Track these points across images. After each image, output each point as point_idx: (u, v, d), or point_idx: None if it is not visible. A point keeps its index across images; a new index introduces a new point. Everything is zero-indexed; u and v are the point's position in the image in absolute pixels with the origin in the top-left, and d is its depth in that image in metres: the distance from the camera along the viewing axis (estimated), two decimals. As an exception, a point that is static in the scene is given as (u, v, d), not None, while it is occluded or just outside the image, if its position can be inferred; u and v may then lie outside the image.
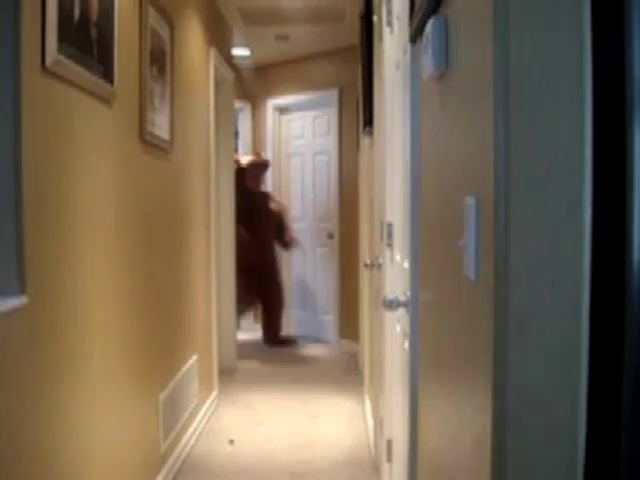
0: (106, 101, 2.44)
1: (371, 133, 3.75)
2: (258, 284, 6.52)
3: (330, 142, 6.66)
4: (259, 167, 6.39)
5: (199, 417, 4.16)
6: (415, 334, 1.85)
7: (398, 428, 2.55)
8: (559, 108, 0.87)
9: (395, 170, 2.57)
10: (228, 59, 5.44)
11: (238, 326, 6.46)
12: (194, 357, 4.04)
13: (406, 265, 2.06)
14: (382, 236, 2.94)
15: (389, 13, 2.57)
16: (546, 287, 0.88)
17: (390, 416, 2.76)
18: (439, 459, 1.46)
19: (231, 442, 3.99)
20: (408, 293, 1.94)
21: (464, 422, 1.16)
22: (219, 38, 5.04)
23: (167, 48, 3.34)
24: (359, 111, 5.00)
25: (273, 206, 6.55)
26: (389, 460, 2.84)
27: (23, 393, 1.81)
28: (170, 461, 3.43)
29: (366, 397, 4.52)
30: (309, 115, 6.88)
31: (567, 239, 0.87)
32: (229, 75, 5.45)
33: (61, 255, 2.07)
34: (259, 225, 6.44)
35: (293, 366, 5.80)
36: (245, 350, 6.24)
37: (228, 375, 5.40)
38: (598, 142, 0.86)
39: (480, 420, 1.00)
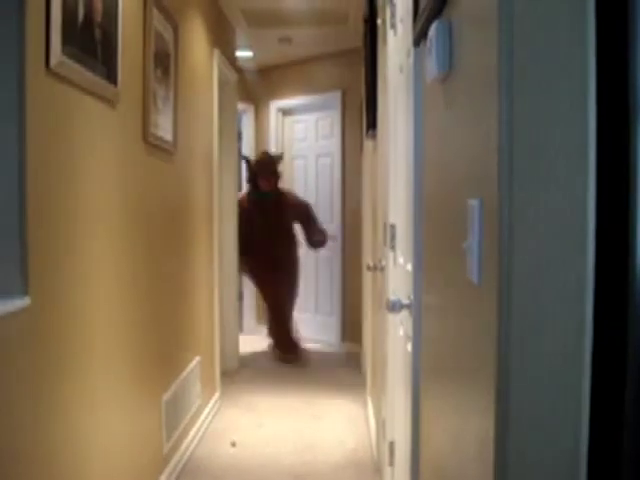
0: (110, 102, 2.45)
1: (374, 136, 3.75)
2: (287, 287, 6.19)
3: (333, 144, 6.66)
4: (268, 165, 6.00)
5: (201, 419, 4.15)
6: (418, 337, 1.85)
7: (400, 430, 2.54)
8: (563, 110, 0.87)
9: (398, 172, 2.57)
10: (231, 61, 5.44)
11: (240, 328, 6.46)
12: (197, 359, 4.04)
13: (409, 267, 2.06)
14: (385, 238, 2.94)
15: (393, 16, 2.57)
16: (550, 290, 0.88)
17: (392, 418, 2.76)
18: (442, 462, 1.45)
19: (233, 444, 3.99)
20: (411, 296, 1.93)
21: (467, 425, 1.16)
22: (222, 40, 5.04)
23: (171, 50, 3.34)
24: (362, 114, 4.99)
25: (293, 204, 6.16)
26: (391, 463, 2.83)
27: (25, 393, 1.81)
28: (172, 462, 3.43)
29: (368, 399, 4.51)
30: (312, 117, 6.88)
31: (571, 242, 0.87)
32: (232, 77, 5.46)
33: (64, 256, 2.07)
34: (276, 227, 6.08)
35: (295, 368, 5.80)
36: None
37: (230, 377, 5.39)
38: (602, 144, 0.86)
39: (483, 423, 1.00)
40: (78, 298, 2.17)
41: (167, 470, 3.32)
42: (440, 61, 1.31)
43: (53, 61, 1.90)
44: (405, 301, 2.10)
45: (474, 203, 1.06)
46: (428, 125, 1.67)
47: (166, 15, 3.20)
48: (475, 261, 1.06)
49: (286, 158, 7.04)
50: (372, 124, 3.80)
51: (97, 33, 2.24)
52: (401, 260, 2.43)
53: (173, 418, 3.44)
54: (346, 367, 5.83)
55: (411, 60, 1.94)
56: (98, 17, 2.24)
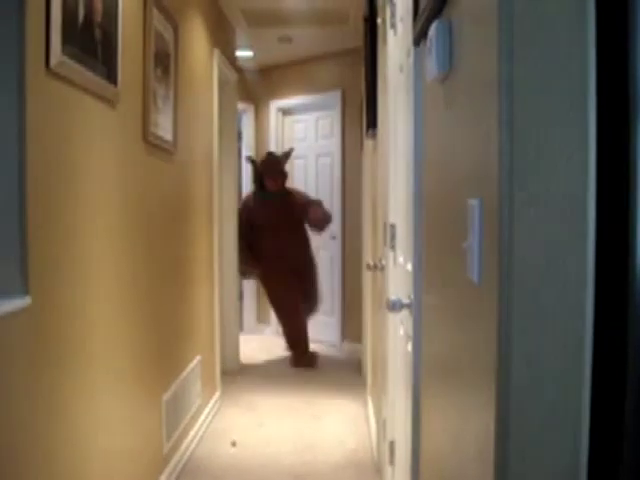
0: (110, 102, 2.45)
1: (374, 135, 3.75)
2: (302, 288, 6.00)
3: (333, 144, 6.66)
4: (274, 165, 5.81)
5: (202, 418, 4.16)
6: (418, 336, 1.85)
7: (401, 430, 2.54)
8: (563, 109, 0.87)
9: (398, 172, 2.57)
10: (231, 60, 5.44)
11: (241, 327, 6.46)
12: (197, 358, 4.04)
13: (409, 267, 2.06)
14: (385, 238, 2.94)
15: (393, 15, 2.57)
16: (550, 290, 0.88)
17: (393, 418, 2.76)
18: (442, 462, 1.46)
19: (233, 444, 3.99)
20: (411, 295, 1.94)
21: (467, 425, 1.16)
22: (222, 39, 5.04)
23: (171, 49, 3.34)
24: (362, 113, 4.99)
25: (301, 203, 5.92)
26: (392, 462, 2.83)
27: (25, 393, 1.81)
28: (172, 462, 3.43)
29: (369, 399, 4.51)
30: (312, 117, 6.88)
31: (571, 242, 0.87)
32: (232, 76, 5.46)
33: (64, 256, 2.07)
34: (286, 229, 5.91)
35: (296, 368, 5.80)
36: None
37: (231, 376, 5.40)
38: (602, 143, 0.86)
39: (483, 423, 1.00)
40: (78, 298, 2.17)
41: (167, 470, 3.32)
42: (440, 61, 1.31)
43: (53, 61, 1.90)
44: (405, 301, 2.10)
45: (474, 203, 1.06)
46: (428, 125, 1.67)
47: (166, 15, 3.20)
48: (475, 261, 1.06)
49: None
50: (372, 124, 3.80)
51: (97, 33, 2.24)
52: (401, 260, 2.43)
53: (173, 418, 3.44)
54: (346, 367, 5.83)
55: (411, 60, 1.94)
56: (98, 17, 2.24)
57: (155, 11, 2.99)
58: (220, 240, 5.12)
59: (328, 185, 6.73)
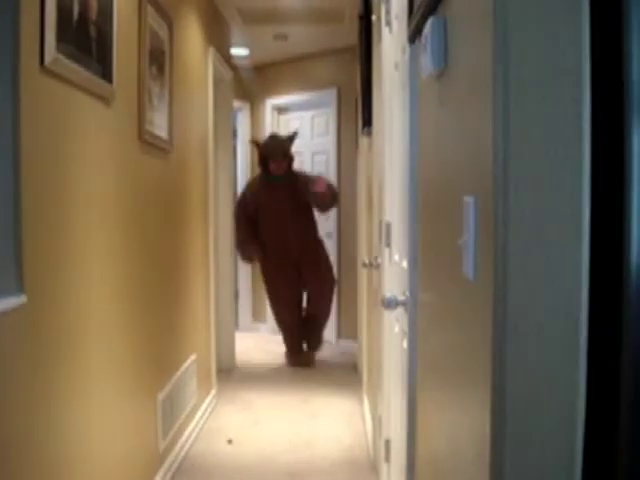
0: (105, 100, 2.44)
1: (370, 133, 3.75)
2: (300, 278, 5.80)
3: (329, 142, 6.66)
4: (277, 148, 5.55)
5: (197, 416, 4.15)
6: (414, 333, 1.85)
7: (396, 428, 2.55)
8: (558, 106, 0.87)
9: (394, 169, 2.57)
10: (227, 58, 5.44)
11: (236, 325, 6.46)
12: (193, 356, 4.04)
13: (405, 264, 2.06)
14: (381, 235, 2.94)
15: (388, 13, 2.57)
16: (545, 287, 0.88)
17: (388, 415, 2.76)
18: (438, 459, 1.46)
19: (229, 441, 3.99)
20: (407, 292, 1.94)
21: (463, 422, 1.16)
22: (218, 37, 5.03)
23: (166, 47, 3.34)
24: (358, 111, 4.99)
25: (302, 182, 5.62)
26: (387, 460, 2.84)
27: (20, 391, 1.81)
28: (168, 460, 3.42)
29: (364, 396, 4.52)
30: (308, 115, 6.88)
31: (566, 239, 0.87)
32: (228, 74, 5.45)
33: (60, 254, 2.07)
34: (291, 215, 5.66)
35: (292, 367, 5.80)
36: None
37: (226, 374, 5.40)
38: (596, 140, 0.86)
39: (479, 420, 1.00)
40: (74, 296, 2.17)
41: (163, 468, 3.32)
42: (435, 58, 1.31)
43: (48, 59, 1.90)
44: (401, 298, 2.10)
45: (469, 200, 1.06)
46: (423, 122, 1.67)
47: (161, 13, 3.20)
48: (470, 258, 1.06)
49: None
50: (367, 121, 3.81)
51: (92, 31, 2.24)
52: (397, 257, 2.43)
53: (169, 416, 3.44)
54: (342, 364, 5.84)
55: (406, 57, 1.94)
56: (93, 15, 2.24)
57: (150, 9, 2.99)
58: (216, 238, 5.11)
59: (324, 183, 6.72)
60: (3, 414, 1.71)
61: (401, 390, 2.28)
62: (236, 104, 6.41)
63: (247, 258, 5.81)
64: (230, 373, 5.50)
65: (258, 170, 6.84)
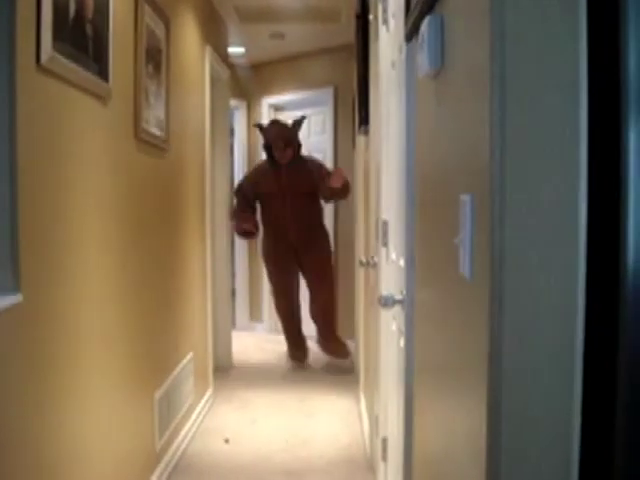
0: (101, 99, 2.44)
1: (367, 132, 3.75)
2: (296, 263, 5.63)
3: (325, 140, 6.65)
4: (280, 134, 5.34)
5: (194, 415, 4.15)
6: (410, 332, 1.85)
7: (393, 426, 2.55)
8: (555, 106, 0.87)
9: (390, 168, 2.57)
10: (223, 57, 5.43)
11: (233, 324, 6.45)
12: (189, 355, 4.03)
13: (401, 263, 2.06)
14: (377, 234, 2.94)
15: (385, 11, 2.57)
16: (541, 286, 0.88)
17: (385, 414, 2.76)
18: (434, 457, 1.46)
19: (226, 440, 3.99)
20: (404, 291, 1.94)
21: (459, 421, 1.16)
22: (214, 36, 5.03)
23: (162, 46, 3.33)
24: (355, 110, 4.99)
25: (312, 170, 5.41)
26: (384, 458, 2.84)
27: (16, 390, 1.81)
28: (165, 459, 3.42)
29: (361, 395, 4.52)
30: (305, 114, 6.86)
31: (562, 237, 0.87)
32: (224, 73, 5.44)
33: (56, 253, 2.06)
34: (291, 201, 5.42)
35: (291, 361, 5.80)
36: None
37: (223, 373, 5.39)
38: (593, 140, 0.86)
39: (475, 418, 1.00)
40: (70, 295, 2.17)
41: (160, 467, 3.32)
42: (432, 56, 1.31)
43: (44, 57, 1.89)
44: (398, 296, 2.10)
45: (465, 198, 1.06)
46: (420, 121, 1.67)
47: (158, 11, 3.19)
48: (467, 257, 1.06)
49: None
50: (364, 120, 3.80)
51: (88, 29, 2.23)
52: (393, 256, 2.43)
53: (166, 415, 3.44)
54: (339, 363, 5.83)
55: (403, 56, 1.94)
56: (89, 13, 2.23)
57: (146, 7, 2.98)
58: (212, 237, 5.11)
59: (320, 182, 6.71)
60: (-1, 413, 1.71)
61: (398, 389, 2.28)
62: (233, 103, 6.40)
63: (241, 230, 5.48)
64: (227, 372, 5.50)
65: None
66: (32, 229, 1.88)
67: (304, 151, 6.74)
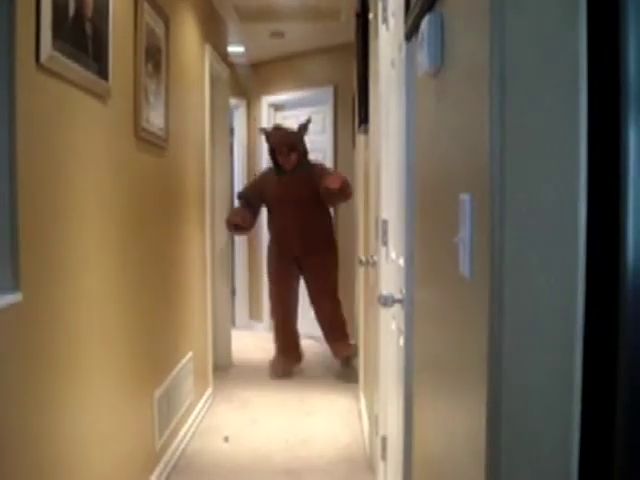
0: (101, 97, 2.44)
1: (366, 131, 3.75)
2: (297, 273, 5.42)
3: (325, 139, 6.65)
4: (283, 140, 5.17)
5: (194, 414, 4.15)
6: (410, 331, 1.85)
7: (393, 425, 2.55)
8: (554, 104, 0.87)
9: (390, 167, 2.57)
10: (223, 56, 5.43)
11: (233, 323, 6.44)
12: (189, 354, 4.03)
13: (401, 262, 2.06)
14: (377, 233, 2.94)
15: (384, 10, 2.57)
16: (541, 285, 0.88)
17: (385, 413, 2.76)
18: (434, 456, 1.46)
19: (226, 439, 3.99)
20: (403, 290, 1.94)
21: (459, 420, 1.16)
22: (214, 35, 5.02)
23: (162, 45, 3.33)
24: (354, 108, 4.99)
25: (316, 175, 5.14)
26: (384, 457, 2.84)
27: (16, 389, 1.81)
28: (165, 458, 3.42)
29: (361, 394, 4.52)
30: (304, 112, 6.86)
31: (562, 237, 0.87)
32: (224, 72, 5.44)
33: (56, 252, 2.06)
34: (297, 211, 5.20)
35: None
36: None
37: (223, 372, 5.39)
38: (593, 140, 0.86)
39: (475, 418, 1.00)
40: (70, 294, 2.17)
41: (159, 466, 3.32)
42: (432, 55, 1.31)
43: (43, 56, 1.89)
44: (397, 296, 2.10)
45: (465, 198, 1.06)
46: (420, 120, 1.67)
47: (157, 10, 3.19)
48: (466, 256, 1.06)
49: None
50: (364, 119, 3.80)
51: (88, 28, 2.23)
52: (393, 255, 2.43)
53: (165, 414, 3.44)
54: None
55: (403, 54, 1.94)
56: (89, 12, 2.23)
57: (146, 6, 2.98)
58: (212, 236, 5.10)
59: (320, 181, 6.71)
60: (-1, 412, 1.70)
61: (397, 387, 2.28)
62: (232, 102, 6.39)
63: (229, 223, 5.29)
64: (227, 371, 5.50)
65: (255, 168, 6.80)
66: (32, 228, 1.88)
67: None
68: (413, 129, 1.78)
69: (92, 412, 2.37)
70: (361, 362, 4.54)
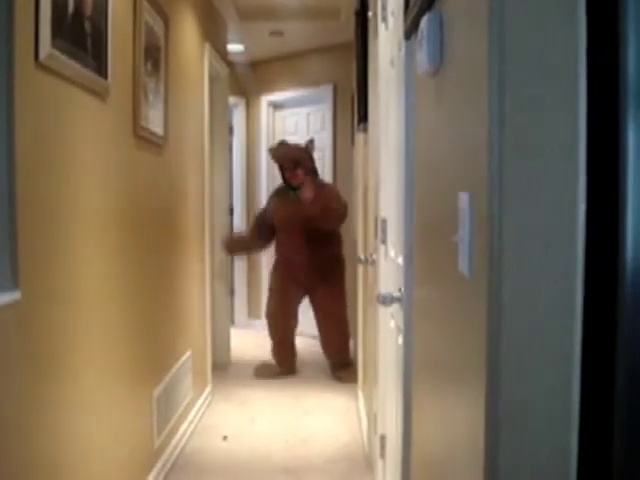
0: (100, 96, 2.43)
1: (366, 129, 3.74)
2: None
3: (324, 138, 6.65)
4: (288, 156, 5.10)
5: (193, 413, 4.15)
6: (409, 330, 1.85)
7: (392, 424, 2.55)
8: (554, 102, 0.87)
9: (389, 166, 2.57)
10: (222, 54, 5.42)
11: (232, 321, 6.44)
12: (188, 352, 4.03)
13: (400, 261, 2.06)
14: (376, 232, 2.94)
15: (384, 9, 2.57)
16: (540, 283, 0.88)
17: (384, 412, 2.76)
18: (433, 455, 1.46)
19: (225, 438, 3.99)
20: (402, 289, 1.94)
21: (458, 417, 1.16)
22: (213, 33, 5.02)
23: (161, 43, 3.32)
24: (354, 107, 4.98)
25: (325, 197, 4.95)
26: (382, 456, 2.84)
27: (13, 387, 1.81)
28: (163, 457, 3.42)
29: (360, 393, 4.52)
30: (303, 111, 6.87)
31: (561, 236, 0.87)
32: (223, 71, 5.44)
33: (55, 250, 2.06)
34: (302, 233, 5.07)
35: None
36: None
37: (222, 371, 5.39)
38: (592, 137, 0.86)
39: (473, 416, 1.00)
40: (69, 292, 2.17)
41: (158, 465, 3.32)
42: (431, 54, 1.31)
43: (42, 54, 1.89)
44: (396, 294, 2.10)
45: (464, 196, 1.06)
46: (419, 118, 1.67)
47: (157, 8, 3.19)
48: (466, 254, 1.06)
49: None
50: (363, 117, 3.80)
51: (87, 26, 2.23)
52: (392, 253, 2.43)
53: (164, 413, 3.44)
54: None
55: (402, 53, 1.94)
56: (88, 10, 2.23)
57: (145, 4, 2.98)
58: (211, 235, 5.10)
59: (319, 179, 6.71)
60: (-3, 410, 1.70)
61: (396, 386, 2.28)
62: (231, 100, 6.39)
63: (227, 247, 5.34)
64: (225, 369, 5.50)
65: (254, 167, 6.79)
66: (31, 226, 1.88)
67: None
68: (412, 128, 1.78)
69: (90, 411, 2.37)
70: (360, 361, 4.54)
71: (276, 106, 7.06)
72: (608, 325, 0.85)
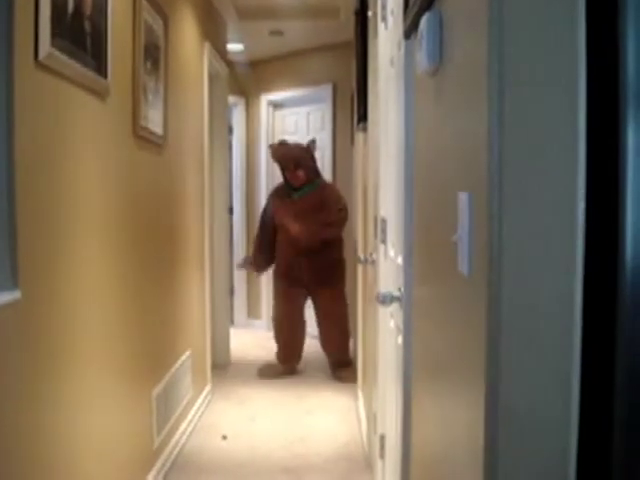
0: (99, 95, 2.43)
1: (365, 129, 3.74)
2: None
3: (324, 138, 6.65)
4: (288, 156, 5.08)
5: (192, 412, 4.15)
6: (409, 329, 1.85)
7: (391, 424, 2.55)
8: (553, 102, 0.87)
9: (389, 165, 2.57)
10: (222, 54, 5.42)
11: (232, 321, 6.44)
12: (187, 352, 4.03)
13: (400, 260, 2.06)
14: (376, 231, 2.94)
15: (383, 8, 2.57)
16: (539, 283, 0.88)
17: (383, 412, 2.76)
18: (432, 455, 1.46)
19: (224, 437, 3.99)
20: (402, 288, 1.94)
21: (457, 418, 1.16)
22: (213, 32, 5.02)
23: (161, 42, 3.32)
24: (353, 107, 4.98)
25: (325, 198, 5.08)
26: (382, 456, 2.84)
27: (15, 387, 1.81)
28: (163, 456, 3.42)
29: (359, 392, 4.52)
30: (303, 111, 6.87)
31: (560, 235, 0.87)
32: (223, 70, 5.44)
33: (55, 250, 2.06)
34: (306, 236, 5.04)
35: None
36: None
37: (221, 370, 5.39)
38: (591, 136, 0.86)
39: (473, 416, 1.00)
40: (69, 292, 2.17)
41: (158, 464, 3.32)
42: (430, 54, 1.31)
43: (42, 53, 1.89)
44: (396, 294, 2.10)
45: (464, 196, 1.06)
46: (418, 118, 1.67)
47: (156, 7, 3.19)
48: (465, 254, 1.06)
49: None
50: (363, 117, 3.80)
51: (87, 25, 2.23)
52: (392, 253, 2.43)
53: (164, 412, 3.44)
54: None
55: (402, 53, 1.94)
56: (88, 9, 2.23)
57: (145, 3, 2.97)
58: (211, 234, 5.10)
59: (319, 179, 6.71)
60: (-3, 410, 1.70)
61: (396, 386, 2.28)
62: (231, 100, 6.39)
63: (252, 268, 5.40)
64: (225, 369, 5.50)
65: (254, 166, 6.77)
66: (30, 226, 1.88)
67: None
68: (412, 127, 1.78)
69: (90, 410, 2.37)
70: (360, 361, 4.54)
71: (276, 105, 7.06)
72: (608, 325, 0.85)
